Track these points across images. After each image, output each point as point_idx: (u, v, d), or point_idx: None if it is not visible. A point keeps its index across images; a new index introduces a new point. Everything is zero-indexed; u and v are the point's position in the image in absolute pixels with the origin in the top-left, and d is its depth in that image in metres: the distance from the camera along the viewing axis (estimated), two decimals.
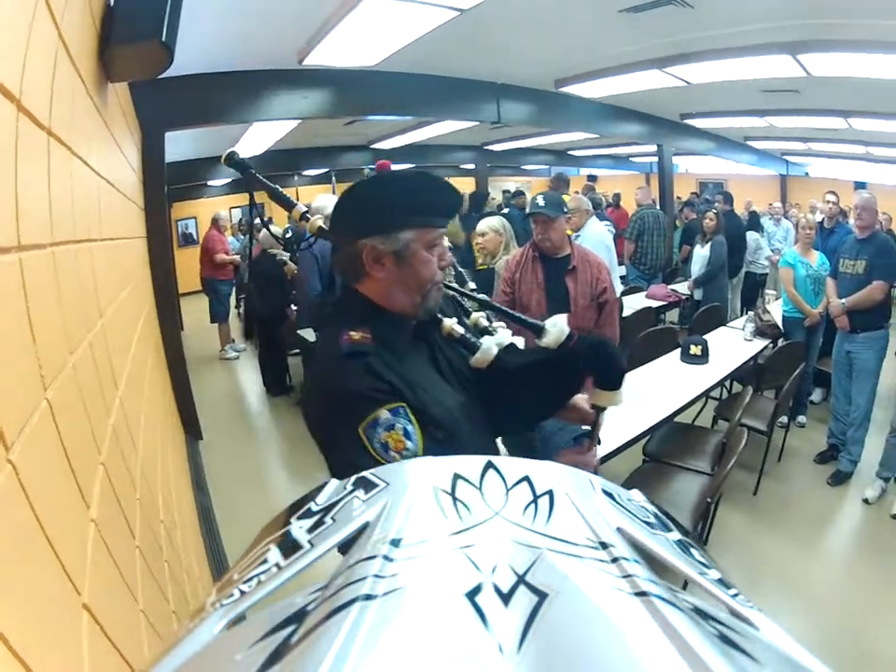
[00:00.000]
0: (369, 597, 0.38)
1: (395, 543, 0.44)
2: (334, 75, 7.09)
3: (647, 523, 0.57)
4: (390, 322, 1.78)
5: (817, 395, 7.41)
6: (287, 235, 8.23)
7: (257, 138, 10.33)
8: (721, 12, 5.55)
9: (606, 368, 1.94)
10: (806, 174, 18.59)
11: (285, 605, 0.42)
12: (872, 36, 5.68)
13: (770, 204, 12.45)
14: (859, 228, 5.53)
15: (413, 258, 1.72)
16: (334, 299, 2.12)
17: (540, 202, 4.23)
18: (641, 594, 0.39)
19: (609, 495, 0.58)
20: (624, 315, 6.97)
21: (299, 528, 0.56)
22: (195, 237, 16.27)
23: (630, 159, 20.11)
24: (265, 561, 0.53)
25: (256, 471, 6.22)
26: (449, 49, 6.43)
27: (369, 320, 1.73)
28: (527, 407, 2.03)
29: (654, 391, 4.87)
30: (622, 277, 8.63)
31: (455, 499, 0.50)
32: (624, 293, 8.22)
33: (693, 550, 0.57)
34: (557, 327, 1.92)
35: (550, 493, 0.52)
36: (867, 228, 5.45)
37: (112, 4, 3.09)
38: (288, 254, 7.73)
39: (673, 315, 9.87)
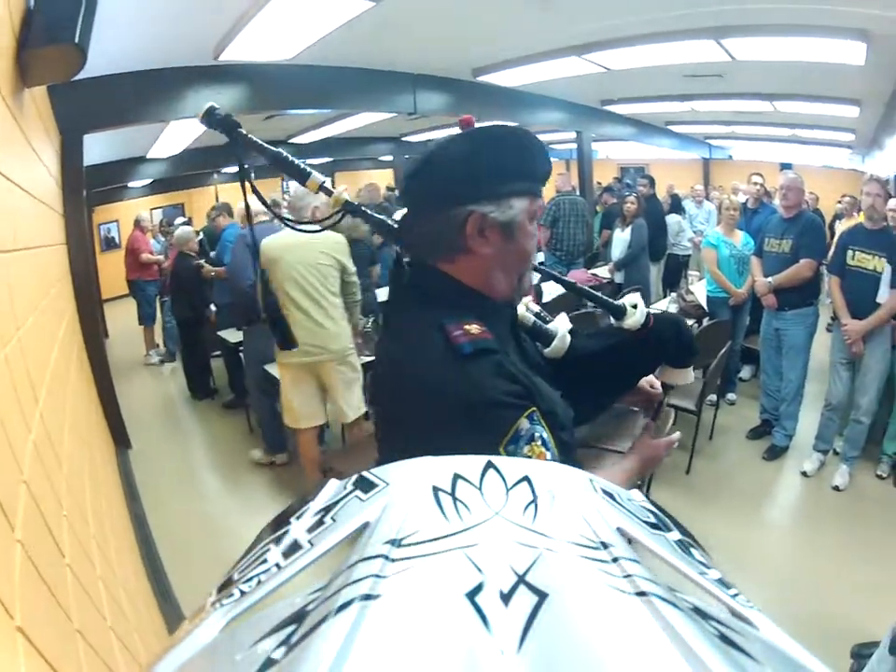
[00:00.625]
0: (369, 597, 0.38)
1: (395, 543, 0.44)
2: (250, 70, 7.01)
3: (647, 523, 0.58)
4: (493, 309, 1.51)
5: (746, 372, 7.62)
6: (199, 238, 8.14)
7: (175, 137, 10.20)
8: None
9: (684, 347, 1.87)
10: (730, 157, 19.02)
11: (285, 605, 0.42)
12: (795, 20, 5.80)
13: (692, 187, 12.71)
14: (784, 207, 5.66)
15: (519, 231, 1.45)
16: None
17: None
18: (641, 593, 0.39)
19: (609, 495, 0.58)
20: (545, 300, 7.07)
21: (299, 528, 0.56)
22: (117, 241, 15.95)
23: (550, 146, 20.19)
24: (265, 561, 0.53)
25: (187, 477, 6.15)
26: (364, 41, 6.39)
27: (471, 308, 1.44)
28: (596, 394, 1.88)
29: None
30: (540, 264, 8.64)
31: (455, 499, 0.50)
32: (544, 279, 8.23)
33: (693, 550, 0.58)
34: (639, 308, 1.77)
35: (550, 493, 0.52)
36: (793, 207, 5.58)
37: (32, 8, 3.02)
38: (203, 258, 7.77)
39: None
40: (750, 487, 5.36)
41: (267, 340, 4.93)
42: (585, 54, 7.38)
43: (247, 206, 1.82)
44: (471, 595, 0.37)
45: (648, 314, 1.78)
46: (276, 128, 11.89)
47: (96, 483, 3.42)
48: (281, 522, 0.60)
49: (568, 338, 1.80)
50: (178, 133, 9.90)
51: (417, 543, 0.44)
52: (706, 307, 6.80)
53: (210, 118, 1.67)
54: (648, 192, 9.72)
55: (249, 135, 1.66)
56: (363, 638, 0.34)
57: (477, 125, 1.47)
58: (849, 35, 5.85)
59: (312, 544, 0.52)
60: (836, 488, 5.24)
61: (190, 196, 17.32)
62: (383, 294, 7.29)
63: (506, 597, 0.37)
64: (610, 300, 1.83)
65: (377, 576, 0.40)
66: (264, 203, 2.02)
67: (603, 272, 9.16)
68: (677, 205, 11.26)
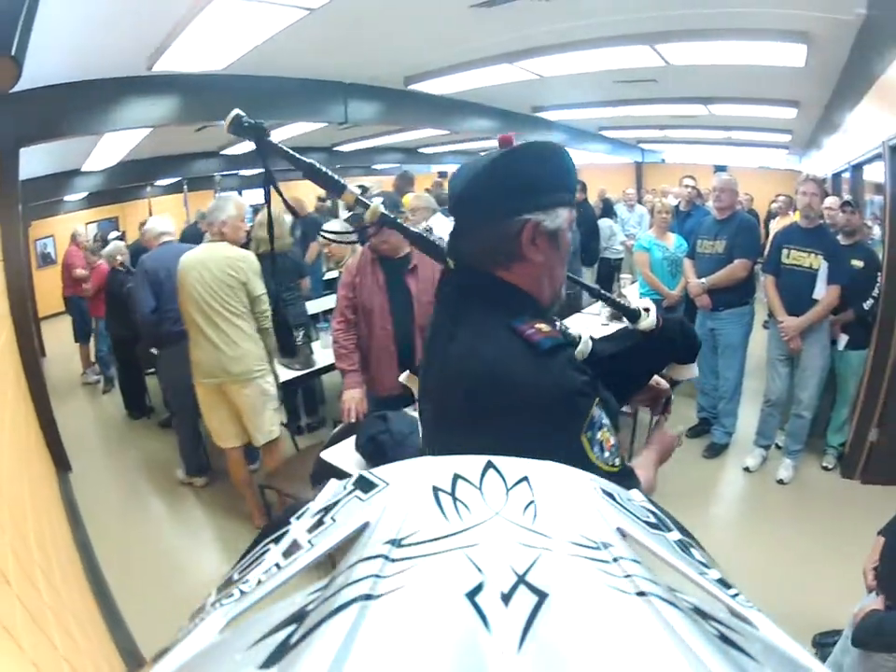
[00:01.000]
0: (369, 597, 0.38)
1: (395, 543, 0.44)
2: (183, 80, 6.92)
3: (647, 523, 0.58)
4: (543, 313, 1.61)
5: None
6: (120, 260, 7.96)
7: (110, 149, 10.03)
8: (578, 4, 5.54)
9: (689, 345, 2.00)
10: (663, 160, 19.28)
11: (285, 605, 0.42)
12: (735, 24, 5.86)
13: (624, 191, 12.84)
14: (718, 209, 5.76)
15: (562, 239, 1.58)
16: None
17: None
18: (641, 593, 0.39)
19: (609, 495, 0.59)
20: None
21: (299, 528, 0.56)
22: (53, 256, 15.59)
23: (481, 154, 20.09)
24: (265, 561, 0.53)
25: (127, 499, 6.01)
26: (297, 50, 6.34)
27: (526, 312, 1.54)
28: (612, 394, 1.80)
29: None
30: None
31: (455, 499, 0.50)
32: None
33: (693, 550, 0.58)
34: (651, 310, 1.90)
35: (550, 493, 0.52)
36: (726, 209, 5.69)
37: None
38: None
39: None
40: (693, 485, 5.42)
41: (180, 361, 4.88)
42: (518, 61, 7.41)
43: (270, 220, 1.80)
44: (471, 594, 0.37)
45: (658, 316, 1.90)
46: (208, 139, 11.72)
47: (38, 509, 3.36)
48: (281, 522, 0.59)
49: (591, 343, 1.83)
50: (113, 145, 9.74)
51: (417, 543, 0.44)
52: None
53: (237, 125, 1.68)
54: (580, 197, 9.71)
55: (280, 144, 1.70)
56: (363, 638, 0.34)
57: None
58: (790, 38, 5.94)
59: (312, 544, 0.52)
60: (781, 482, 5.37)
61: (124, 210, 16.90)
62: (314, 306, 7.23)
63: (506, 597, 0.37)
64: (627, 304, 1.96)
65: (377, 576, 0.40)
66: (292, 211, 2.05)
67: None
68: (608, 210, 11.37)
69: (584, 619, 0.36)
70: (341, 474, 3.58)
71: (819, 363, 5.32)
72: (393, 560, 0.42)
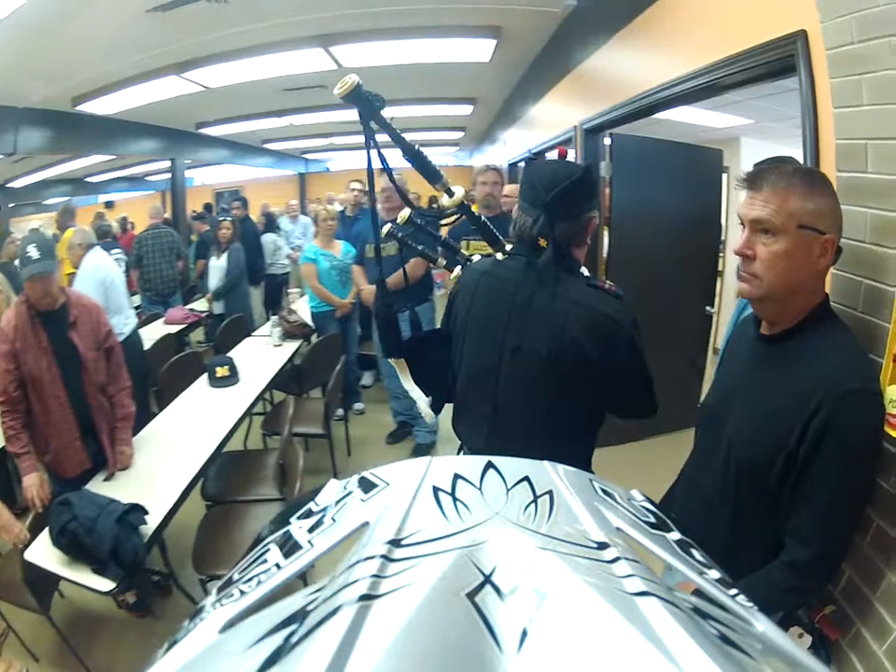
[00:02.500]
0: (369, 597, 0.38)
1: (395, 543, 0.44)
2: None
3: (647, 523, 0.59)
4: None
5: (368, 378, 7.60)
6: None
7: None
8: (255, 6, 5.47)
9: None
10: (327, 169, 19.56)
11: (285, 605, 0.42)
12: (421, 22, 6.02)
13: (287, 203, 12.47)
14: (387, 210, 5.55)
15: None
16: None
17: (34, 254, 3.41)
18: (640, 594, 0.41)
19: (610, 495, 0.60)
20: (147, 347, 6.30)
21: (299, 528, 0.55)
22: None
23: (146, 178, 18.84)
24: (265, 561, 0.51)
25: None
26: None
27: (580, 277, 2.22)
28: None
29: (192, 424, 4.46)
30: (136, 307, 7.99)
31: (455, 499, 0.50)
32: (144, 324, 7.54)
33: (693, 550, 0.59)
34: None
35: (550, 493, 0.54)
36: (396, 209, 5.51)
37: None
38: None
39: (200, 334, 9.38)
40: None
41: None
42: (186, 72, 7.23)
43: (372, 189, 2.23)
44: (472, 594, 0.38)
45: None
46: None
47: None
48: (282, 521, 0.59)
49: None
50: None
51: (418, 543, 0.44)
52: (312, 324, 6.78)
53: (355, 93, 1.75)
54: (242, 214, 9.56)
55: (391, 121, 1.90)
56: (364, 638, 0.34)
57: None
58: (480, 34, 6.17)
59: (312, 544, 0.51)
60: None
61: None
62: None
63: (506, 597, 0.38)
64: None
65: (377, 576, 0.40)
66: (406, 201, 2.69)
67: (202, 305, 8.74)
68: (271, 224, 11.20)
69: (584, 619, 0.37)
70: (53, 576, 3.20)
71: None
72: (393, 560, 0.42)
